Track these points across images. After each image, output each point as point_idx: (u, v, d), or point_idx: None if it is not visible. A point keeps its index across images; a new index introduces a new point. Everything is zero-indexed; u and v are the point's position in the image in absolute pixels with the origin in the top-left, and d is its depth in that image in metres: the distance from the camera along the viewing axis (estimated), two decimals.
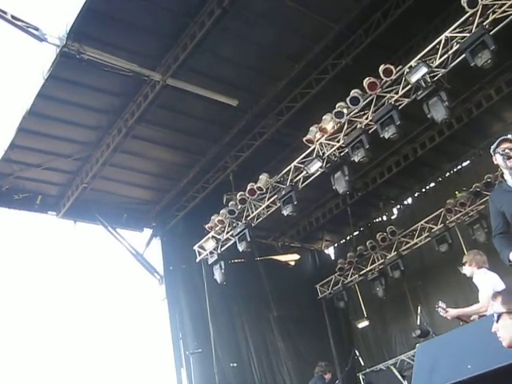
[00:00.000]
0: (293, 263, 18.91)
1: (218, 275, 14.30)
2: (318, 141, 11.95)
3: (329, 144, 11.85)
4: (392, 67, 10.48)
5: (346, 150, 11.48)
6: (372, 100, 10.96)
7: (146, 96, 12.54)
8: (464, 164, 17.27)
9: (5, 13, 10.19)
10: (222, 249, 14.40)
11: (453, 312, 7.46)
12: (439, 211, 14.94)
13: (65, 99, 12.50)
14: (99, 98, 12.83)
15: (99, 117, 13.35)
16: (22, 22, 10.36)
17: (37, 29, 10.52)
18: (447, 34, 9.97)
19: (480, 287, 7.27)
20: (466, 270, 7.64)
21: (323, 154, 11.94)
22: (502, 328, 3.44)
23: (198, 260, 14.98)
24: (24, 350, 15.39)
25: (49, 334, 16.06)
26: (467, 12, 9.54)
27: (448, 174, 17.58)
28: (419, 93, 10.33)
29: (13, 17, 10.26)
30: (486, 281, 7.17)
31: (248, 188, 13.17)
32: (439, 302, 7.59)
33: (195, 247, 14.92)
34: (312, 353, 16.26)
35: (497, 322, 3.46)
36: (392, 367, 16.72)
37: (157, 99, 12.61)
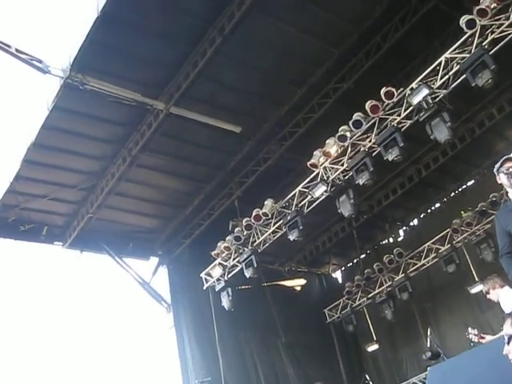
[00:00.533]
0: (300, 288, 18.82)
1: (225, 302, 14.22)
2: (322, 165, 11.95)
3: (333, 168, 11.85)
4: (393, 90, 10.52)
5: (351, 174, 11.48)
6: (375, 123, 10.98)
7: (149, 125, 12.62)
8: (468, 184, 17.27)
9: (9, 46, 10.32)
10: (229, 275, 14.33)
11: (490, 338, 7.32)
12: (445, 231, 14.87)
13: (69, 130, 12.58)
14: (103, 127, 12.90)
15: (103, 146, 13.41)
16: (26, 54, 10.48)
17: (40, 61, 10.63)
18: (447, 55, 10.02)
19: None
20: (492, 295, 7.50)
21: (328, 177, 11.93)
22: None
23: (205, 287, 14.91)
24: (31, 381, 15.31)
25: (56, 365, 15.98)
26: (466, 33, 9.60)
27: (453, 194, 17.56)
28: (421, 114, 10.35)
29: (17, 50, 10.38)
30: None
31: (253, 214, 13.15)
32: (469, 328, 7.43)
33: (202, 274, 14.85)
34: (322, 378, 16.07)
35: (507, 344, 3.42)
36: None
37: (160, 128, 12.68)
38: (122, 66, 11.45)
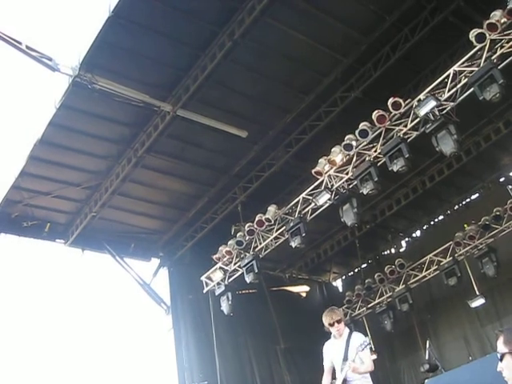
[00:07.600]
0: (301, 295, 18.78)
1: (224, 306, 14.19)
2: (326, 173, 11.94)
3: (337, 176, 11.83)
4: (401, 100, 10.51)
5: (355, 183, 11.45)
6: (381, 133, 10.95)
7: (156, 126, 12.65)
8: (473, 197, 17.27)
9: (19, 43, 10.38)
10: (230, 280, 14.29)
11: None
12: (448, 244, 14.81)
13: (76, 128, 12.63)
14: (110, 127, 12.95)
15: (109, 146, 13.45)
16: (36, 52, 10.55)
17: (50, 59, 10.69)
18: (456, 67, 10.00)
19: None
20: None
21: (332, 186, 11.91)
22: (506, 368, 3.37)
23: (205, 291, 14.87)
24: (30, 379, 15.30)
25: (55, 362, 15.98)
26: (475, 46, 9.59)
27: (457, 206, 17.55)
28: (428, 126, 10.32)
29: (27, 47, 10.45)
30: None
31: (256, 219, 13.13)
32: None
33: (202, 278, 14.81)
34: None
35: (500, 361, 3.40)
36: None
37: (167, 129, 12.72)
38: (131, 67, 11.50)
